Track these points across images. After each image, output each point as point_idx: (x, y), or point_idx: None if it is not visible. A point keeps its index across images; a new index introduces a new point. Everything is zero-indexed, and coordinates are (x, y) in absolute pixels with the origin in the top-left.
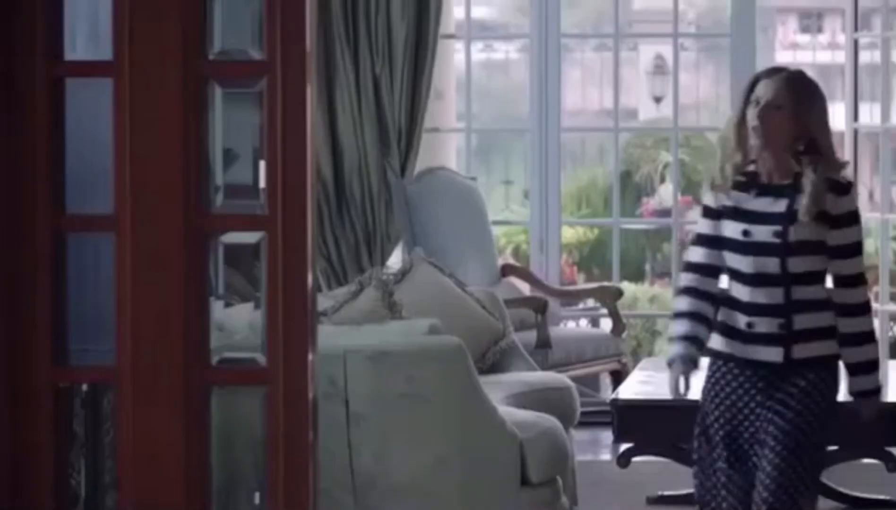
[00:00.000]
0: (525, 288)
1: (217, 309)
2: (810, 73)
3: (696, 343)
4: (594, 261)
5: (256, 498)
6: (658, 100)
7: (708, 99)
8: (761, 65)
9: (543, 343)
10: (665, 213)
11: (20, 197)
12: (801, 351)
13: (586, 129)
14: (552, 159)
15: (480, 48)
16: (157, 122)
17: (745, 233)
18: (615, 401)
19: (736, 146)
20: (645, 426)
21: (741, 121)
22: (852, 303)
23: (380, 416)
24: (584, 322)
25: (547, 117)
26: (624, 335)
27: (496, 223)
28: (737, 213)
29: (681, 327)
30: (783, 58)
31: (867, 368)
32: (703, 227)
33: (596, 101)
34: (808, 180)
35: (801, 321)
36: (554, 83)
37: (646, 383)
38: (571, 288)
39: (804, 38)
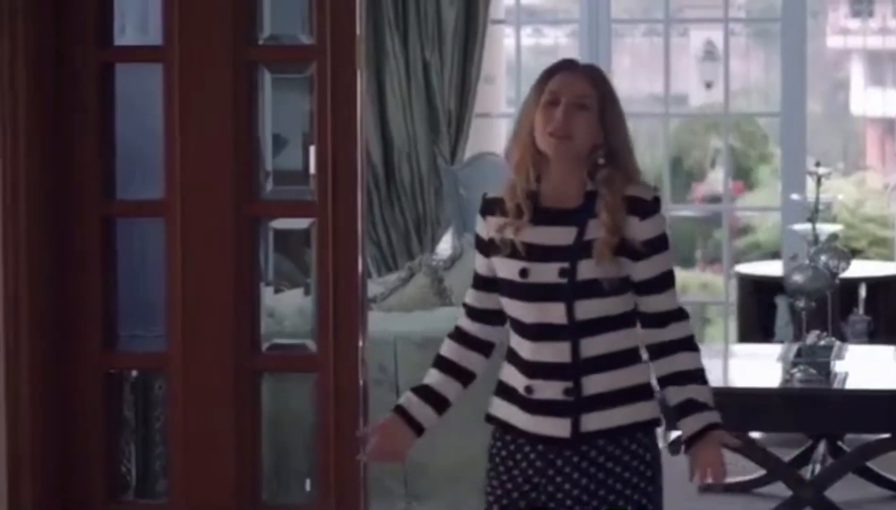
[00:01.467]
0: None
1: (267, 295)
2: (861, 59)
3: (429, 398)
4: None
5: (308, 484)
6: (709, 85)
7: (759, 84)
8: (813, 52)
9: None
10: (715, 199)
11: (70, 182)
12: (595, 421)
13: (636, 115)
14: None
15: (529, 33)
16: (206, 108)
17: (523, 272)
18: None
19: (521, 161)
20: None
21: (527, 127)
22: (673, 339)
23: None
24: None
25: None
26: None
27: None
28: (512, 248)
29: (426, 376)
30: (834, 43)
31: (698, 407)
32: (477, 263)
33: (646, 86)
34: (604, 201)
35: (595, 383)
36: (604, 68)
37: None
38: None
39: (854, 23)
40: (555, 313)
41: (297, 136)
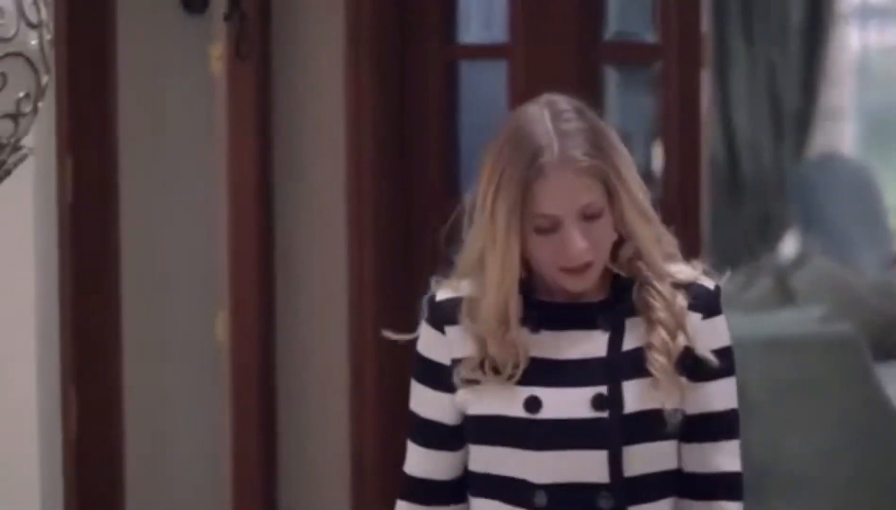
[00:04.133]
0: None
1: None
2: None
3: None
4: None
5: None
6: None
7: None
8: None
9: None
10: None
11: (413, 180)
12: None
13: None
14: None
15: (876, 32)
16: None
17: (532, 403)
18: None
19: (502, 272)
20: None
21: (509, 259)
22: None
23: (773, 405)
24: None
25: None
26: None
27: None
28: (508, 368)
29: None
30: None
31: None
32: (422, 404)
33: None
34: (651, 289)
35: None
36: None
37: None
38: None
39: None
40: (589, 467)
41: (640, 135)
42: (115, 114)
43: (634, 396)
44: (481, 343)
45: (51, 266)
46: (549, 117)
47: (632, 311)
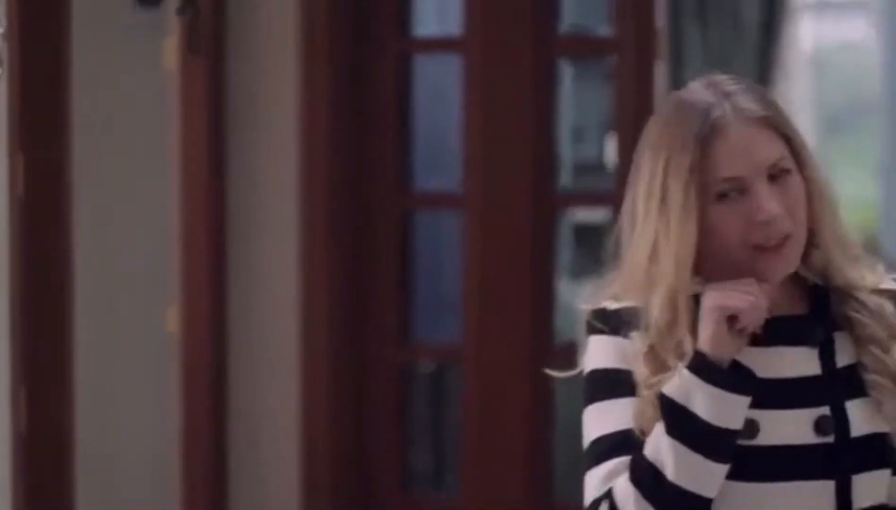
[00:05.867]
0: None
1: (564, 288)
2: None
3: None
4: None
5: None
6: None
7: None
8: None
9: None
10: None
11: (368, 174)
12: None
13: None
14: None
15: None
16: (506, 99)
17: (748, 428)
18: None
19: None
20: None
21: (685, 235)
22: None
23: None
24: None
25: None
26: None
27: None
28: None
29: None
30: None
31: None
32: (609, 417)
33: None
34: (857, 300)
35: None
36: None
37: None
38: None
39: None
40: (814, 500)
41: (594, 128)
42: (67, 108)
43: (859, 418)
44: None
45: (1, 262)
46: (709, 85)
47: (836, 324)
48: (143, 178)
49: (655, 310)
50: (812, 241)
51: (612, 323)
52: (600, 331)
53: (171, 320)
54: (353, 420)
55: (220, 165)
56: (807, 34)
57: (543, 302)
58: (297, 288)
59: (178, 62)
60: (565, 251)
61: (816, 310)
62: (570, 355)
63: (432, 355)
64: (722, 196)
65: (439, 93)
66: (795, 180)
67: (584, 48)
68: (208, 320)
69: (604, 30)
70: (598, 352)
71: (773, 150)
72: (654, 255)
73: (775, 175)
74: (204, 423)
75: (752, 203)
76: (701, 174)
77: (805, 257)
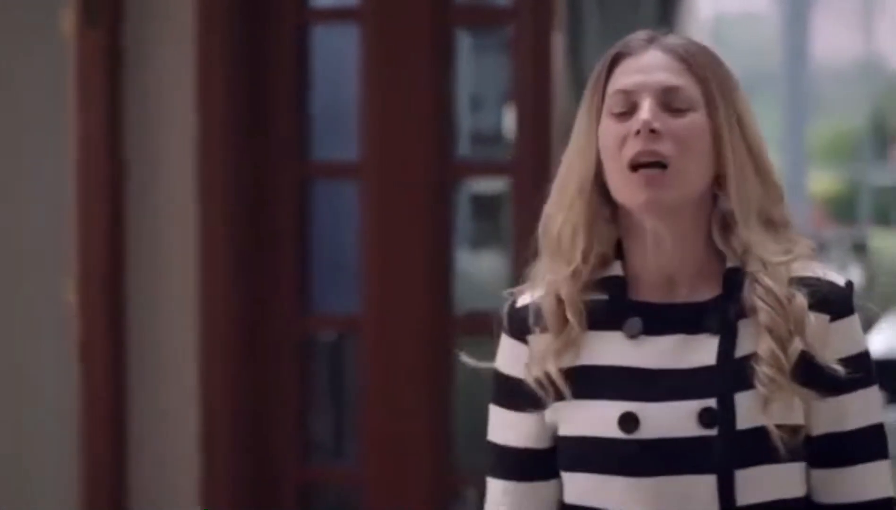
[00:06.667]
0: None
1: (462, 258)
2: None
3: None
4: (841, 212)
5: None
6: None
7: None
8: None
9: None
10: None
11: (265, 144)
12: None
13: (837, 75)
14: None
15: None
16: (404, 69)
17: (628, 420)
18: None
19: (574, 232)
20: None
21: (580, 167)
22: None
23: None
24: None
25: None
26: None
27: None
28: (594, 379)
29: None
30: None
31: None
32: (500, 430)
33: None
34: (761, 285)
35: None
36: (800, 31)
37: None
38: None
39: None
40: (695, 495)
41: (493, 98)
42: None
43: (748, 410)
44: (559, 351)
45: None
46: (649, 32)
47: (745, 311)
48: (41, 151)
49: (564, 236)
50: (733, 218)
51: (514, 322)
52: (506, 330)
53: (69, 297)
54: (253, 391)
55: (117, 135)
56: (707, 5)
57: (442, 272)
58: (196, 259)
59: (74, 32)
60: (464, 221)
61: (727, 294)
62: (468, 326)
63: (332, 326)
64: (612, 112)
65: (338, 63)
66: (697, 119)
67: (482, 18)
68: (105, 291)
69: (503, 2)
70: (500, 354)
71: (673, 78)
72: (563, 186)
73: (676, 108)
74: (102, 393)
75: (634, 121)
76: (603, 95)
77: (726, 235)
